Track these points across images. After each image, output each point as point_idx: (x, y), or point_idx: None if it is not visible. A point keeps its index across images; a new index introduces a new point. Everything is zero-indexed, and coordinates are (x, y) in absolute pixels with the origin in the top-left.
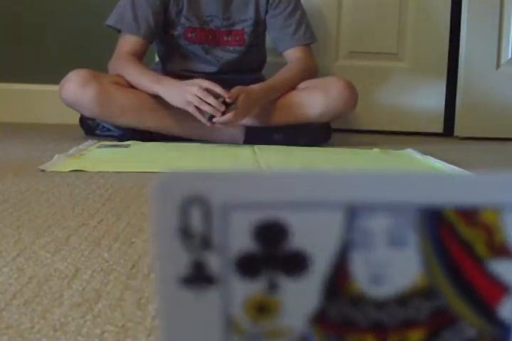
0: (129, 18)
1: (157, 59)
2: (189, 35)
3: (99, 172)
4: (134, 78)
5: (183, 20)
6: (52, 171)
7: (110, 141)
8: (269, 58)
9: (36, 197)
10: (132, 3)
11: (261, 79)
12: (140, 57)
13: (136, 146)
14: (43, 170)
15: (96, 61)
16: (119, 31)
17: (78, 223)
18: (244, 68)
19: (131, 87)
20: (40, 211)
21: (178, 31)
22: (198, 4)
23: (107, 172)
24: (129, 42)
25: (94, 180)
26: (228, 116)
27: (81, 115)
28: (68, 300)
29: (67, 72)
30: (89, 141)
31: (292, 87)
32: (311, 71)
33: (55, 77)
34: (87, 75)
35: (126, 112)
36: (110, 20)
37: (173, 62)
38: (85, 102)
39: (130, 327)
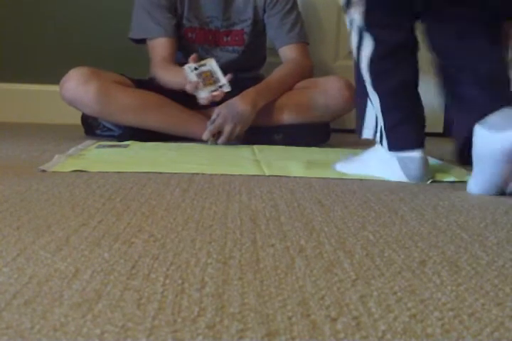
0: (150, 24)
1: None
2: (189, 35)
3: (100, 172)
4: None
5: (184, 21)
6: (52, 171)
7: (109, 140)
8: (269, 58)
9: (36, 197)
10: (147, 11)
11: (259, 78)
12: (173, 56)
13: (136, 146)
14: (43, 171)
15: (96, 61)
16: (143, 42)
17: (78, 223)
18: (243, 67)
19: (132, 86)
20: (40, 211)
21: (180, 32)
22: (199, 5)
23: (107, 172)
24: (159, 46)
25: (94, 180)
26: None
27: (83, 113)
28: (68, 300)
29: (67, 72)
30: (88, 141)
31: (287, 87)
32: (304, 71)
33: (55, 77)
34: (88, 73)
35: (126, 111)
36: (134, 34)
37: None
38: (86, 100)
39: (130, 327)
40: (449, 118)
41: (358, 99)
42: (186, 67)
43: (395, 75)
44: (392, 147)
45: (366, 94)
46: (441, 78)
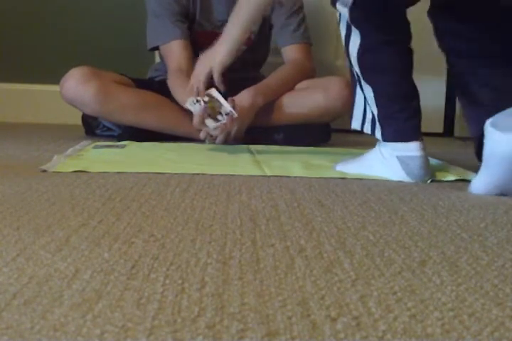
0: (163, 29)
1: (157, 60)
2: (200, 39)
3: (100, 172)
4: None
5: (195, 25)
6: (53, 172)
7: (109, 140)
8: (270, 58)
9: (36, 197)
10: (159, 17)
11: (259, 78)
12: (190, 61)
13: (133, 147)
14: (44, 171)
15: (96, 61)
16: (158, 49)
17: (78, 223)
18: (246, 66)
19: (132, 86)
20: (40, 211)
21: (191, 37)
22: (211, 10)
23: (108, 172)
24: (174, 48)
25: (94, 180)
26: (219, 138)
27: (83, 113)
28: (68, 300)
29: (67, 72)
30: (85, 141)
31: (287, 87)
32: (305, 72)
33: (55, 77)
34: (88, 73)
35: (126, 110)
36: (151, 43)
37: None
38: (86, 99)
39: (130, 327)
40: (465, 117)
41: (352, 91)
42: (189, 101)
43: (385, 67)
44: (386, 138)
45: (355, 85)
46: (453, 77)
